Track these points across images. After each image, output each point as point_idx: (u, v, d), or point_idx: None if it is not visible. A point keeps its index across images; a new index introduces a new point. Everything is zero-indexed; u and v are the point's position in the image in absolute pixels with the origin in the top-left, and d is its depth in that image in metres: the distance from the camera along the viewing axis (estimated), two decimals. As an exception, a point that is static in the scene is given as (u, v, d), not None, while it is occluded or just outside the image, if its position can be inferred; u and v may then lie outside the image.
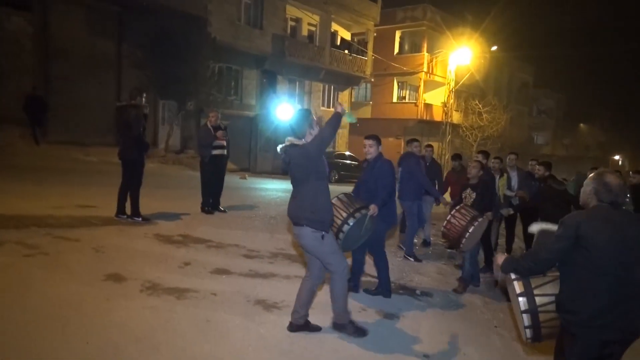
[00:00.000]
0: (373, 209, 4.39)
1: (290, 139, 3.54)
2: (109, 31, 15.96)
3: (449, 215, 5.44)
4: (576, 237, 2.41)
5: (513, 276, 2.67)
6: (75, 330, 3.34)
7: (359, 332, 3.79)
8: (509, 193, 7.32)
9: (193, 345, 3.37)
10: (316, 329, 3.82)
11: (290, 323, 3.76)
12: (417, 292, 5.39)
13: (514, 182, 7.47)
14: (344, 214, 4.15)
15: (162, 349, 3.25)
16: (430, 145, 8.31)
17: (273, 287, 4.77)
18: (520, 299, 2.62)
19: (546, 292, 2.62)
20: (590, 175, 2.65)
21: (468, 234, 5.15)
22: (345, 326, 3.77)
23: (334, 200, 4.22)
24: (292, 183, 3.64)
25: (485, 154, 7.14)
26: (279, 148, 3.57)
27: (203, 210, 7.82)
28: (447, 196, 7.44)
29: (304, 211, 3.50)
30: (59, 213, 6.52)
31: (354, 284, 4.94)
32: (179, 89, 16.23)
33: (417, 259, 6.75)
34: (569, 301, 2.46)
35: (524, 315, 2.61)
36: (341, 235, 4.11)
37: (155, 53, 15.55)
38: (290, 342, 3.62)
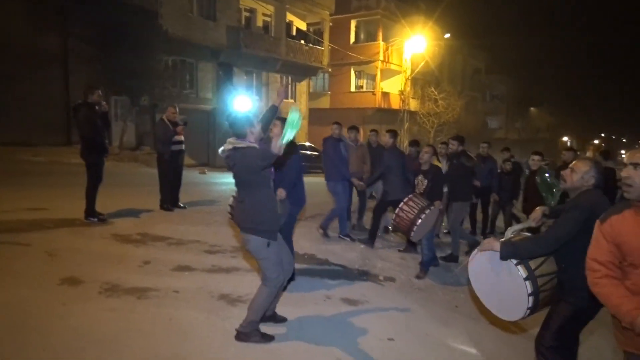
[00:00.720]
0: (280, 192, 4.44)
1: (231, 141, 3.34)
2: (52, 24, 15.18)
3: (398, 209, 5.41)
4: (588, 218, 2.58)
5: (514, 261, 2.75)
6: (29, 337, 3.21)
7: (266, 338, 3.52)
8: None
9: (156, 344, 3.30)
10: (282, 320, 3.83)
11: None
12: (380, 277, 5.49)
13: None
14: None
15: (124, 351, 3.17)
16: (374, 130, 8.37)
17: (236, 281, 4.73)
18: (527, 282, 2.70)
19: (545, 272, 2.78)
20: (585, 162, 2.87)
21: (416, 227, 5.20)
22: (251, 334, 3.47)
23: None
24: (236, 184, 3.47)
25: (394, 133, 7.18)
26: (220, 151, 3.38)
27: (162, 207, 7.64)
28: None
29: (249, 221, 3.36)
30: (7, 217, 6.21)
31: None
32: (131, 84, 15.69)
33: (351, 239, 6.97)
34: (582, 279, 2.50)
35: (530, 298, 2.71)
36: None
37: (104, 47, 14.94)
38: (256, 334, 3.60)
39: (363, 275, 5.52)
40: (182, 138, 7.62)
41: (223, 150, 3.37)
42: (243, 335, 3.45)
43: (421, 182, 5.82)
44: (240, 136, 3.35)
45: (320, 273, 5.38)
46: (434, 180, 5.77)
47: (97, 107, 6.34)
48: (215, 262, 5.28)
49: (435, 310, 4.66)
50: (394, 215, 5.47)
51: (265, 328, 3.67)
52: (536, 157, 6.58)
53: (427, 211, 5.26)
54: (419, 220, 5.18)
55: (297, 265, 5.54)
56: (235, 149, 3.31)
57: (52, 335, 3.27)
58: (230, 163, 3.36)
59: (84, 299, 3.95)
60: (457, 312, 4.68)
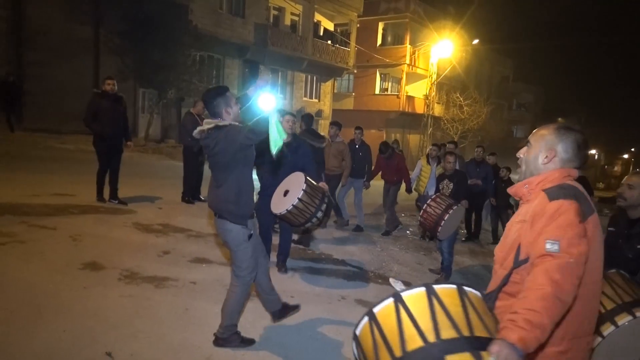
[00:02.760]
0: (324, 186, 4.72)
1: (211, 121, 3.08)
2: (86, 16, 15.55)
3: (425, 205, 5.59)
4: None
5: None
6: (51, 318, 3.31)
7: (245, 342, 3.36)
8: None
9: (171, 333, 3.36)
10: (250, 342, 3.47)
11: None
12: (397, 281, 5.47)
13: None
14: (317, 202, 4.39)
15: (140, 337, 3.24)
16: (359, 128, 8.23)
17: (253, 276, 4.77)
18: None
19: None
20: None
21: (444, 222, 5.29)
22: (230, 339, 3.31)
23: (301, 196, 4.27)
24: (212, 168, 3.20)
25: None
26: (196, 131, 3.11)
27: (184, 199, 7.76)
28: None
29: (227, 203, 3.12)
30: (35, 201, 6.40)
31: (283, 262, 5.16)
32: (159, 77, 15.95)
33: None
34: None
35: None
36: (314, 220, 4.43)
37: (134, 40, 15.23)
38: (270, 329, 3.65)
39: (379, 277, 5.51)
40: (206, 132, 7.74)
41: (202, 131, 3.08)
42: (221, 340, 3.29)
43: (446, 187, 6.01)
44: (216, 115, 3.11)
45: (336, 273, 5.40)
46: (459, 183, 5.98)
47: (111, 97, 6.64)
48: (233, 256, 5.33)
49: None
50: (421, 212, 5.57)
51: (278, 324, 3.71)
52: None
53: (455, 207, 5.39)
54: (447, 216, 5.30)
55: (314, 265, 5.59)
56: (218, 127, 3.05)
57: (72, 317, 3.37)
58: (210, 143, 3.06)
59: (104, 284, 4.05)
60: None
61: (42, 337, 3.07)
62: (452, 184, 5.98)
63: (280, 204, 4.42)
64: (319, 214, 4.42)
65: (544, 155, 1.82)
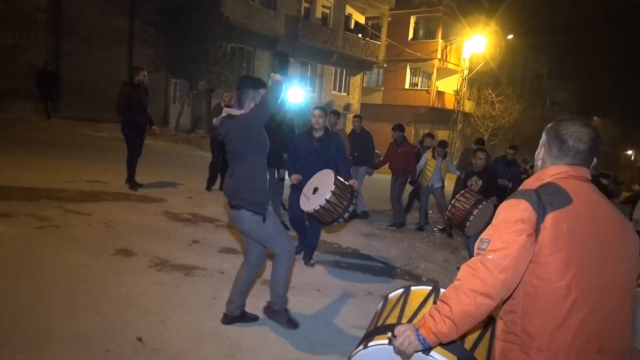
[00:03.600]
0: (354, 183, 4.64)
1: (227, 110, 3.25)
2: (121, 7, 15.90)
3: (453, 199, 5.53)
4: None
5: None
6: (84, 302, 3.39)
7: (290, 323, 3.46)
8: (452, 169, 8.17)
9: (200, 321, 3.41)
10: (253, 318, 3.54)
11: (225, 315, 3.45)
12: (423, 278, 5.42)
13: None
14: (345, 202, 4.31)
15: (169, 323, 3.29)
16: (358, 116, 8.19)
17: (280, 268, 4.79)
18: None
19: None
20: None
21: (472, 217, 5.21)
22: (280, 313, 3.44)
23: (329, 197, 4.21)
24: (228, 158, 3.32)
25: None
26: (214, 120, 3.27)
27: (207, 188, 7.87)
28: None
29: (241, 190, 3.19)
30: (70, 187, 6.58)
31: (310, 255, 5.16)
32: (190, 68, 16.18)
33: None
34: None
35: None
36: (340, 220, 4.39)
37: (167, 31, 15.48)
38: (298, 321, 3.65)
39: (405, 274, 5.46)
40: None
41: (217, 118, 3.26)
42: (271, 312, 3.45)
43: (475, 183, 5.92)
44: (240, 102, 3.25)
45: (362, 268, 5.38)
46: (489, 180, 5.91)
47: (140, 86, 6.86)
48: (260, 248, 5.36)
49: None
50: (449, 206, 5.51)
51: (306, 315, 3.71)
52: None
53: (484, 203, 5.32)
54: (476, 211, 5.24)
55: (340, 259, 5.58)
56: (229, 116, 3.21)
57: (105, 302, 3.44)
58: (222, 132, 3.20)
59: (135, 270, 4.13)
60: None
61: (76, 320, 3.15)
62: (480, 180, 5.91)
63: (309, 202, 4.41)
64: (346, 215, 4.38)
65: (538, 152, 1.75)
